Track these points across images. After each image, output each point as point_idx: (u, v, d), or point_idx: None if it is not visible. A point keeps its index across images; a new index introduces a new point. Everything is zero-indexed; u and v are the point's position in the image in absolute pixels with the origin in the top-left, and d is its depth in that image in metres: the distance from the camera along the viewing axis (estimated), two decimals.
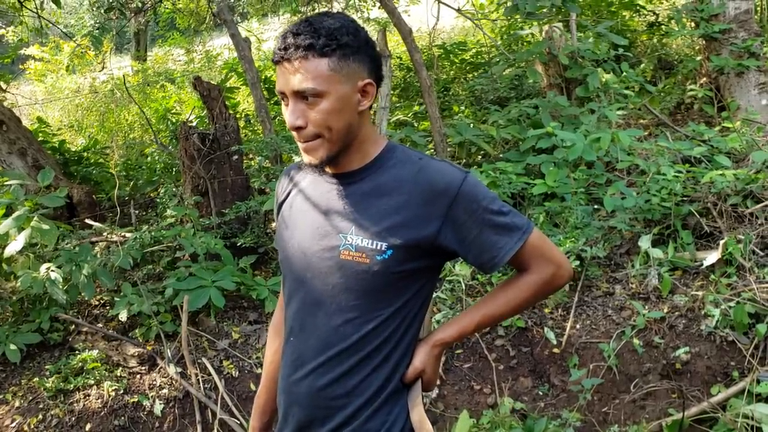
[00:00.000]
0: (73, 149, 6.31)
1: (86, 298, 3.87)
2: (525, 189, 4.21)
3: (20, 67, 10.38)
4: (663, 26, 6.98)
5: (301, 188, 1.48)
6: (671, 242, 3.69)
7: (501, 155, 4.87)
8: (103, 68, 9.35)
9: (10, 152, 4.99)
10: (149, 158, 6.55)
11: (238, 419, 3.10)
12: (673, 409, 3.01)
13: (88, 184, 5.43)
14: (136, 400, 3.20)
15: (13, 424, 3.10)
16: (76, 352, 3.48)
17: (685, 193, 3.92)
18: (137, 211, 5.15)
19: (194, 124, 5.81)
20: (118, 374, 3.34)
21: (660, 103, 5.81)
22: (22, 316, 3.72)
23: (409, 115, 6.41)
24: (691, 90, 5.73)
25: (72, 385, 3.25)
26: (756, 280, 3.30)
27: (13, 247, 3.33)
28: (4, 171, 4.86)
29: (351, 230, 1.35)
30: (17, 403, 3.20)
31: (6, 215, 3.54)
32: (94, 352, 3.44)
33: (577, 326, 3.39)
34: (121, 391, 3.24)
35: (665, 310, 3.36)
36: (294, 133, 1.34)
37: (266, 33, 11.51)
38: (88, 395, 3.23)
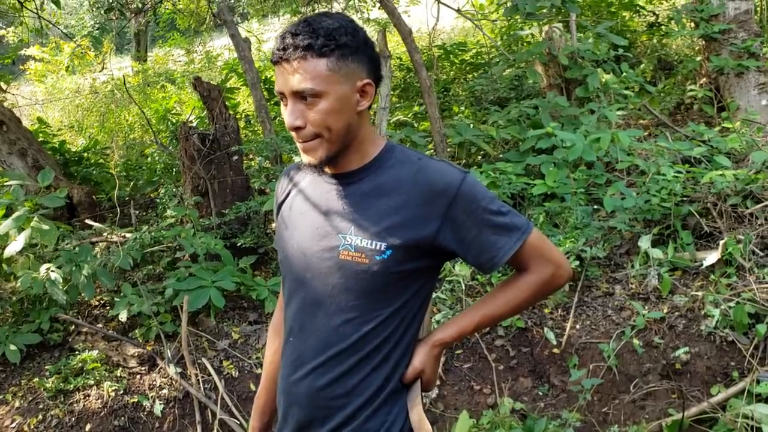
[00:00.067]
0: (74, 150, 6.32)
1: (86, 299, 3.87)
2: (525, 189, 4.21)
3: (20, 67, 10.39)
4: (663, 27, 6.98)
5: (300, 188, 1.48)
6: (671, 242, 3.69)
7: (501, 155, 4.87)
8: (103, 69, 9.35)
9: (10, 153, 5.00)
10: (149, 159, 6.56)
11: (238, 419, 3.10)
12: (673, 410, 3.01)
13: (88, 185, 5.43)
14: (136, 400, 3.20)
15: (13, 425, 3.10)
16: (76, 352, 3.48)
17: (685, 194, 3.92)
18: (137, 212, 5.15)
19: (194, 124, 5.81)
20: (118, 374, 3.34)
21: (660, 103, 5.81)
22: (22, 317, 3.72)
23: (409, 116, 6.41)
24: (691, 90, 5.73)
25: (72, 386, 3.25)
26: (756, 280, 3.30)
27: (13, 248, 3.33)
28: (4, 171, 4.86)
29: (350, 230, 1.35)
30: (17, 404, 3.21)
31: (6, 216, 3.54)
32: (94, 353, 3.44)
33: (577, 326, 3.39)
34: (121, 392, 3.24)
35: (665, 311, 3.36)
36: (293, 134, 1.34)
37: (266, 33, 11.51)
38: (88, 395, 3.23)
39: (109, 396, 3.20)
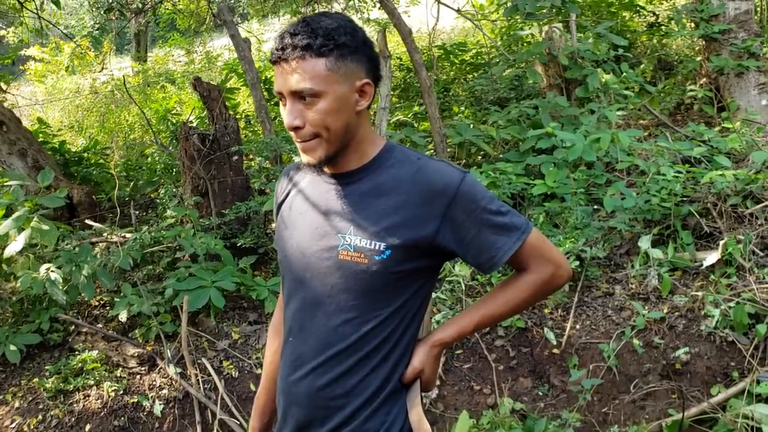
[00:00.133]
0: (74, 150, 6.32)
1: (86, 299, 3.87)
2: (525, 189, 4.21)
3: (20, 67, 10.40)
4: (663, 27, 6.98)
5: (300, 188, 1.48)
6: (671, 242, 3.69)
7: (501, 156, 4.87)
8: (103, 69, 9.36)
9: (10, 153, 5.00)
10: (149, 159, 6.56)
11: (238, 420, 3.10)
12: (673, 410, 3.01)
13: (88, 185, 5.43)
14: (135, 400, 3.20)
15: (13, 425, 3.10)
16: (76, 352, 3.48)
17: (685, 194, 3.92)
18: (137, 212, 5.15)
19: (194, 124, 5.81)
20: (118, 375, 3.34)
21: (660, 103, 5.81)
22: (22, 317, 3.72)
23: (409, 116, 6.41)
24: (691, 90, 5.73)
25: (72, 386, 3.25)
26: (756, 280, 3.30)
27: (13, 248, 3.33)
28: (4, 172, 4.86)
29: (350, 230, 1.35)
30: (17, 404, 3.21)
31: (6, 216, 3.54)
32: (94, 353, 3.44)
33: (577, 327, 3.39)
34: (121, 392, 3.24)
35: (665, 311, 3.36)
36: (292, 133, 1.34)
37: (266, 34, 11.51)
38: (88, 396, 3.23)
39: (109, 396, 3.20)
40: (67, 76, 10.33)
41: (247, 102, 7.60)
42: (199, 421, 3.15)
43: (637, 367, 3.18)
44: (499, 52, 6.77)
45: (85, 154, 6.11)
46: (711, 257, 3.48)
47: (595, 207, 4.08)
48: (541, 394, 3.21)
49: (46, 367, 3.41)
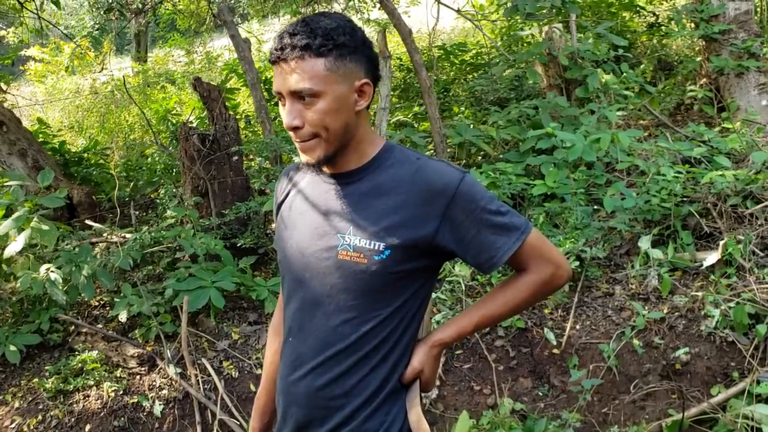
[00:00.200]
0: (74, 150, 6.32)
1: (86, 299, 3.87)
2: (525, 190, 4.21)
3: (20, 68, 10.40)
4: (663, 27, 6.98)
5: (300, 188, 1.48)
6: (671, 243, 3.69)
7: (501, 156, 4.87)
8: (103, 69, 9.36)
9: (10, 153, 5.00)
10: (149, 159, 6.56)
11: (238, 420, 3.10)
12: (673, 410, 3.01)
13: (88, 185, 5.43)
14: (135, 400, 3.20)
15: (13, 425, 3.10)
16: (76, 352, 3.48)
17: (685, 194, 3.91)
18: (137, 212, 5.15)
19: (194, 125, 5.81)
20: (118, 375, 3.34)
21: (660, 103, 5.81)
22: (22, 317, 3.72)
23: (409, 116, 6.41)
24: (691, 91, 5.73)
25: (72, 386, 3.25)
26: (756, 280, 3.29)
27: (13, 248, 3.33)
28: (4, 172, 4.86)
29: (349, 230, 1.35)
30: (17, 404, 3.20)
31: (6, 216, 3.54)
32: (94, 353, 3.44)
33: (577, 327, 3.39)
34: (121, 392, 3.24)
35: (665, 311, 3.35)
36: (291, 133, 1.34)
37: (266, 34, 11.51)
38: (88, 396, 3.23)
39: (109, 396, 3.20)
40: (67, 76, 10.33)
41: (247, 102, 7.60)
42: (199, 421, 3.15)
43: (637, 367, 3.18)
44: (499, 52, 6.77)
45: (85, 155, 6.11)
46: (711, 257, 3.48)
47: (595, 207, 4.08)
48: (541, 394, 3.21)
49: (46, 368, 3.41)
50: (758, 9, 6.92)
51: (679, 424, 2.90)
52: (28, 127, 5.68)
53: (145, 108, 7.42)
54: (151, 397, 3.23)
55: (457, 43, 8.00)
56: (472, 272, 3.62)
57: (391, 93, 5.30)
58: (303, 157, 1.37)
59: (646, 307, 3.39)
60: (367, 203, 1.35)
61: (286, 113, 1.32)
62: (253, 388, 3.27)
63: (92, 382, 3.27)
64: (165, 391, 3.26)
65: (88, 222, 4.38)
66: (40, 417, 3.13)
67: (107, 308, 3.89)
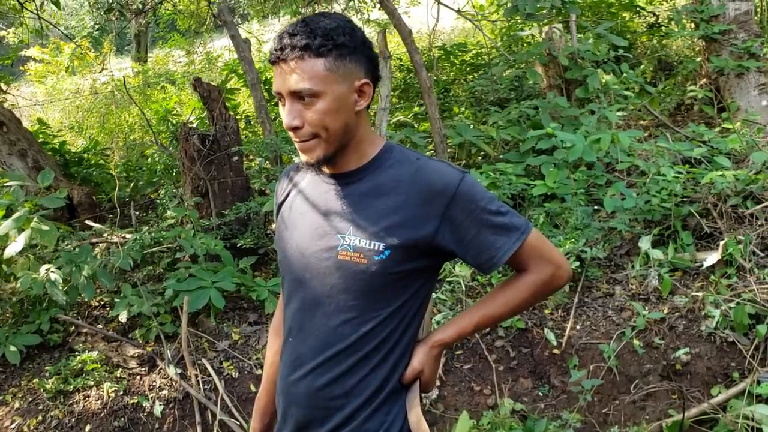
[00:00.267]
0: (74, 150, 6.32)
1: (86, 299, 3.87)
2: (525, 190, 4.21)
3: (21, 68, 10.40)
4: (663, 27, 6.99)
5: (300, 189, 1.48)
6: (671, 243, 3.69)
7: (501, 156, 4.87)
8: (103, 69, 9.36)
9: (10, 153, 5.00)
10: (149, 159, 6.56)
11: (238, 420, 3.09)
12: (674, 410, 3.01)
13: (89, 186, 5.43)
14: (135, 401, 3.20)
15: (13, 426, 3.10)
16: (76, 353, 3.48)
17: (685, 194, 3.91)
18: (137, 213, 5.15)
19: (194, 125, 5.81)
20: (118, 375, 3.34)
21: (660, 104, 5.81)
22: (22, 318, 3.72)
23: (409, 116, 6.41)
24: (691, 91, 5.73)
25: (72, 387, 3.25)
26: (756, 281, 3.29)
27: (13, 249, 3.33)
28: (4, 172, 4.86)
29: (349, 230, 1.35)
30: (17, 405, 3.20)
31: (6, 216, 3.54)
32: (94, 354, 3.44)
33: (577, 327, 3.39)
34: (121, 392, 3.24)
35: (665, 311, 3.35)
36: (291, 133, 1.34)
37: (267, 34, 11.51)
38: (88, 396, 3.23)
39: (109, 397, 3.20)
40: (67, 76, 10.34)
41: (248, 102, 7.60)
42: (200, 421, 3.15)
43: (637, 367, 3.18)
44: (500, 52, 6.77)
45: (85, 155, 6.11)
46: (711, 258, 3.48)
47: (596, 207, 4.08)
48: (541, 394, 3.21)
49: (46, 368, 3.41)
50: (758, 9, 6.92)
51: (679, 425, 2.90)
52: (28, 128, 5.68)
53: (145, 108, 7.42)
54: (152, 398, 3.23)
55: (457, 43, 8.00)
56: (472, 272, 3.62)
57: (391, 93, 5.30)
58: (303, 157, 1.37)
59: (647, 308, 3.39)
60: (367, 203, 1.35)
61: (285, 113, 1.32)
62: (253, 388, 3.27)
63: (92, 383, 3.27)
64: (165, 392, 3.26)
65: (88, 222, 4.38)
66: (40, 417, 3.13)
67: (107, 308, 3.89)
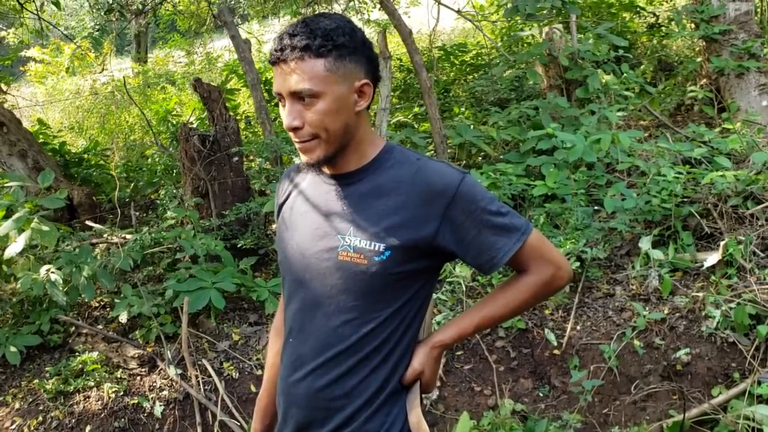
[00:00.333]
0: (74, 151, 6.32)
1: (86, 300, 3.87)
2: (525, 190, 4.21)
3: (21, 69, 10.41)
4: (663, 27, 6.99)
5: (300, 189, 1.48)
6: (672, 243, 3.69)
7: (501, 156, 4.87)
8: (103, 70, 9.37)
9: (10, 154, 5.00)
10: (150, 160, 6.57)
11: (239, 421, 3.09)
12: (674, 411, 3.01)
13: (89, 186, 5.43)
14: (136, 401, 3.20)
15: (13, 426, 3.10)
16: (76, 353, 3.48)
17: (686, 195, 3.91)
18: (137, 213, 5.15)
19: (194, 125, 5.81)
20: (118, 376, 3.34)
21: (660, 104, 5.81)
22: (22, 318, 3.72)
23: (410, 117, 6.41)
24: (692, 91, 5.73)
25: (72, 387, 3.25)
26: (757, 281, 3.29)
27: (13, 249, 3.33)
28: (4, 173, 4.86)
29: (349, 231, 1.34)
30: (17, 405, 3.20)
31: (6, 217, 3.54)
32: (94, 354, 3.44)
33: (578, 327, 3.39)
34: (121, 393, 3.24)
35: (666, 312, 3.35)
36: (291, 134, 1.34)
37: (267, 35, 11.52)
38: (88, 397, 3.23)
39: (109, 397, 3.20)
40: (67, 77, 10.34)
41: (248, 103, 7.60)
42: (200, 422, 3.15)
43: (637, 368, 3.18)
44: (500, 53, 6.77)
45: (86, 156, 6.11)
46: (712, 258, 3.48)
47: (596, 208, 4.08)
48: (541, 395, 3.21)
49: (47, 369, 3.41)
50: (758, 9, 6.92)
51: (680, 425, 2.90)
52: (29, 128, 5.69)
53: (146, 109, 7.42)
54: (152, 398, 3.23)
55: (457, 43, 8.01)
56: (472, 273, 3.62)
57: (392, 94, 5.30)
58: (303, 158, 1.37)
59: (647, 308, 3.39)
60: (368, 204, 1.35)
61: (285, 114, 1.32)
62: (253, 389, 3.27)
63: (92, 383, 3.27)
64: (165, 392, 3.26)
65: (89, 223, 4.38)
66: (40, 418, 3.13)
67: (107, 309, 3.89)
